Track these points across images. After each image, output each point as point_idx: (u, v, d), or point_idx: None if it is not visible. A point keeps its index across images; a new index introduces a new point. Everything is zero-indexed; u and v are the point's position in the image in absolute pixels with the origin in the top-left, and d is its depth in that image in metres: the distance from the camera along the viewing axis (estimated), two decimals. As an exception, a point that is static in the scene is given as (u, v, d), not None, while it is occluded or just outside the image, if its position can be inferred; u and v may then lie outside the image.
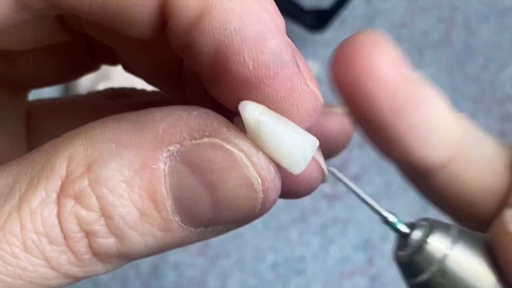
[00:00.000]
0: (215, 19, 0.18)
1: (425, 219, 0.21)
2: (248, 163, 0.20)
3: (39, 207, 0.19)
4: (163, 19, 0.20)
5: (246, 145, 0.20)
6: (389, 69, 0.21)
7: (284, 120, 0.20)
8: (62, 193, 0.19)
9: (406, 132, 0.21)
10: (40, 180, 0.19)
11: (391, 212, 0.20)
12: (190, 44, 0.19)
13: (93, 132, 0.20)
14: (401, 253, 0.20)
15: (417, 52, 0.78)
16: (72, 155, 0.19)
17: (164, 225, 0.20)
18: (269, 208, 0.21)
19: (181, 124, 0.20)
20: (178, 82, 0.26)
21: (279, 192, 0.21)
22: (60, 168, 0.19)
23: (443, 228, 0.20)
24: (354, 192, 0.20)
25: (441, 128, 0.22)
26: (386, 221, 0.20)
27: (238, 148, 0.20)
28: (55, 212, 0.19)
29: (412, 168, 0.23)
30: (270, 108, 0.20)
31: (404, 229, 0.20)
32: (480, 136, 0.23)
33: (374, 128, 0.22)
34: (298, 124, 0.21)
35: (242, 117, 0.20)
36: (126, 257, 0.20)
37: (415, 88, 0.21)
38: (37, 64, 0.29)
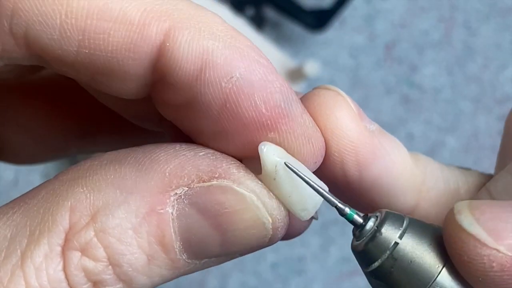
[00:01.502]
0: (219, 67, 0.18)
1: (378, 211, 0.21)
2: (260, 204, 0.20)
3: (44, 263, 0.18)
4: (157, 75, 0.19)
5: (257, 186, 0.20)
6: (350, 125, 0.21)
7: (300, 166, 0.20)
8: (66, 246, 0.18)
9: (372, 184, 0.22)
10: (42, 233, 0.18)
11: (346, 205, 0.21)
12: (192, 99, 0.19)
13: (94, 177, 0.19)
14: (356, 243, 0.21)
15: (417, 52, 0.78)
16: (74, 205, 0.19)
17: (171, 265, 0.19)
18: (275, 242, 0.21)
19: (188, 166, 0.19)
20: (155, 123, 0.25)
21: (287, 228, 0.21)
22: (62, 219, 0.19)
23: (395, 218, 0.21)
24: (310, 185, 0.20)
25: (403, 177, 0.23)
26: (342, 213, 0.21)
27: (249, 189, 0.20)
28: (60, 266, 0.18)
29: None
30: (288, 149, 0.20)
31: (359, 220, 0.21)
32: (439, 175, 0.24)
33: (342, 181, 0.22)
34: (313, 163, 0.21)
35: (261, 157, 0.20)
36: None
37: (375, 140, 0.22)
38: None
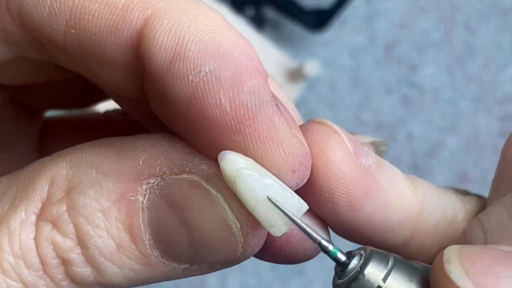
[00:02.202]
0: (189, 60, 0.18)
1: (363, 248, 0.21)
2: (226, 206, 0.19)
3: (18, 228, 0.18)
4: (141, 66, 0.19)
5: (226, 186, 0.19)
6: (342, 166, 0.20)
7: (270, 178, 0.19)
8: (40, 216, 0.19)
9: (365, 222, 0.21)
10: (22, 200, 0.19)
11: (329, 241, 0.20)
12: (164, 91, 0.18)
13: (78, 155, 0.19)
14: (339, 281, 0.20)
15: (417, 52, 0.78)
16: (54, 177, 0.19)
17: (143, 259, 0.19)
18: (253, 251, 0.20)
19: (162, 156, 0.19)
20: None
21: (263, 237, 0.20)
22: (42, 190, 0.19)
23: (380, 258, 0.20)
24: (293, 221, 0.19)
25: (399, 211, 0.22)
26: (324, 250, 0.20)
27: (217, 188, 0.19)
28: (32, 235, 0.18)
29: (375, 246, 0.23)
30: (255, 156, 0.19)
31: (342, 258, 0.20)
32: (437, 203, 0.23)
33: (333, 219, 0.21)
34: (290, 172, 0.19)
35: (220, 167, 0.18)
36: (106, 286, 0.20)
37: (370, 179, 0.21)
38: (50, 92, 0.28)
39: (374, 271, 0.20)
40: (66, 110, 0.31)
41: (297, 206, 0.19)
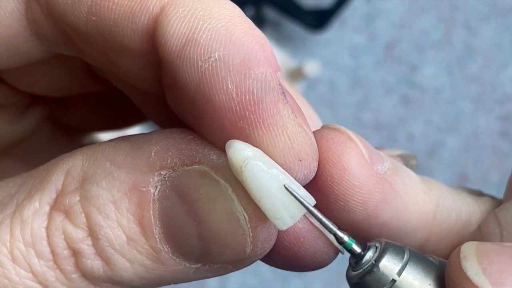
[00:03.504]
0: (200, 46, 0.18)
1: (378, 240, 0.20)
2: (234, 196, 0.19)
3: (31, 217, 0.19)
4: (156, 56, 0.19)
5: (234, 177, 0.18)
6: (358, 175, 0.20)
7: (276, 169, 0.18)
8: (54, 206, 0.19)
9: (380, 229, 0.21)
10: (37, 191, 0.19)
11: (345, 232, 0.20)
12: (175, 78, 0.19)
13: (95, 149, 0.20)
14: (353, 273, 0.20)
15: (417, 52, 0.78)
16: (70, 169, 0.19)
17: (153, 255, 0.19)
18: (263, 249, 0.19)
19: (173, 148, 0.19)
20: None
21: (273, 233, 0.19)
22: (57, 181, 0.19)
23: (395, 251, 0.20)
24: (308, 210, 0.19)
25: (414, 217, 0.21)
26: (340, 241, 0.20)
27: (225, 179, 0.19)
28: (45, 224, 0.19)
29: None
30: (260, 143, 0.19)
31: (357, 249, 0.20)
32: (452, 206, 0.22)
33: (349, 226, 0.21)
34: (297, 161, 0.19)
35: (227, 156, 0.18)
36: (118, 284, 0.19)
37: (386, 186, 0.21)
38: (85, 108, 0.29)
39: (389, 264, 0.19)
40: (103, 133, 0.32)
41: (304, 199, 0.19)
